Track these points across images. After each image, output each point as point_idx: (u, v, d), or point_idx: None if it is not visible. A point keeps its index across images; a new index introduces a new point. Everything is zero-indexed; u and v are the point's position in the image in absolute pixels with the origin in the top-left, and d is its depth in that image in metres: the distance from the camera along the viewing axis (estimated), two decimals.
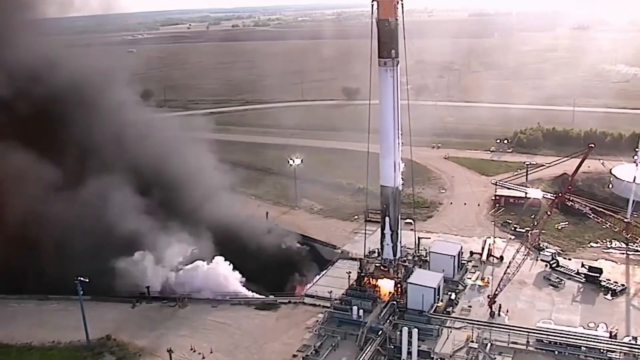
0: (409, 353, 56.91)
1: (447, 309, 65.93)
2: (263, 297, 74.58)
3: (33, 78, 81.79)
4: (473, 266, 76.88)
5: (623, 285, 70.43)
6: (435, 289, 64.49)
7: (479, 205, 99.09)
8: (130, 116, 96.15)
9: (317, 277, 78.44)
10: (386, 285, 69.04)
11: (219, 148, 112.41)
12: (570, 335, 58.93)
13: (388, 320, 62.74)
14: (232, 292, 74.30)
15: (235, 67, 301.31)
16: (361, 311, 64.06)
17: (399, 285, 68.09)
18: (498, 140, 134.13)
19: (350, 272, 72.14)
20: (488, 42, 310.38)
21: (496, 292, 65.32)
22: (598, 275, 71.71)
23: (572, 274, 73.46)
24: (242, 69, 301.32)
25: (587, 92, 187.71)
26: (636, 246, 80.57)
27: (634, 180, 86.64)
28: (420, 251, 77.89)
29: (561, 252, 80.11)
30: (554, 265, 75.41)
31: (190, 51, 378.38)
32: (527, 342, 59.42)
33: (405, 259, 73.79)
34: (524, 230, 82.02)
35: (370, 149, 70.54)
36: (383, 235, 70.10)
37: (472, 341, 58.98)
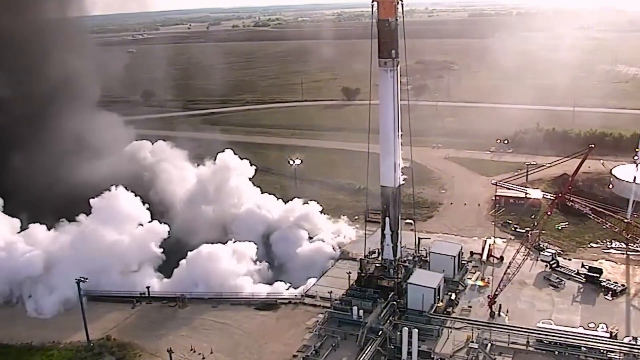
0: (409, 353, 56.95)
1: (447, 309, 65.92)
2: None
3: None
4: (473, 266, 76.89)
5: (623, 285, 70.46)
6: (435, 289, 64.56)
7: (479, 205, 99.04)
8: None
9: (318, 277, 78.47)
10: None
11: (218, 148, 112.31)
12: (570, 335, 58.97)
13: (388, 321, 62.74)
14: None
15: (235, 67, 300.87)
16: (361, 311, 64.06)
17: (399, 285, 68.10)
18: (498, 140, 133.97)
19: (350, 273, 72.27)
20: (488, 42, 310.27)
21: (496, 293, 65.31)
22: (598, 275, 71.71)
23: (572, 274, 73.45)
24: (242, 69, 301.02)
25: (587, 92, 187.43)
26: (636, 246, 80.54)
27: (634, 180, 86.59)
28: (420, 251, 77.88)
29: (561, 253, 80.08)
30: (554, 265, 75.37)
31: (191, 51, 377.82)
32: (527, 342, 59.43)
33: (405, 259, 73.87)
34: (524, 231, 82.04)
35: (371, 149, 70.56)
36: (383, 235, 70.13)
37: (472, 341, 58.96)
